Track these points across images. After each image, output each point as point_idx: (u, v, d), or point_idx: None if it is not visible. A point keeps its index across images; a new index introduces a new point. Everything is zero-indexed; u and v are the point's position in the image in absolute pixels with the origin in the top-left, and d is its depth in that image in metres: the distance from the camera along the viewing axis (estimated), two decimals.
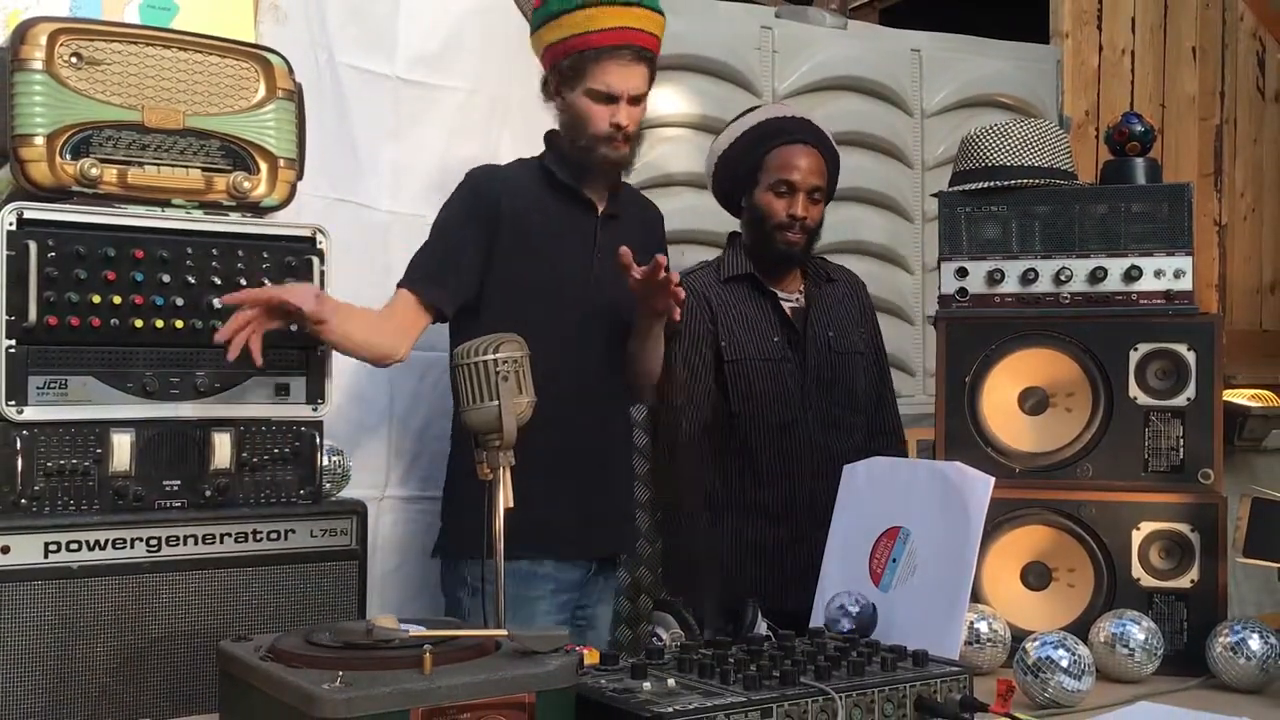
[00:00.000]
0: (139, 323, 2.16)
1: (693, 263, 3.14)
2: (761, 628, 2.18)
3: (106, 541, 2.09)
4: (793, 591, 2.55)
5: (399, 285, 2.60)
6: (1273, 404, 4.61)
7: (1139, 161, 2.48)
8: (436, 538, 2.75)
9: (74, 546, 2.06)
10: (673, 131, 3.68)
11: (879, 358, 3.14)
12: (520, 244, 2.63)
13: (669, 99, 3.67)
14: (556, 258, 2.66)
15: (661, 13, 2.68)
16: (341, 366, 2.59)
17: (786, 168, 2.90)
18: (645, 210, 2.90)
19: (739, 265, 2.99)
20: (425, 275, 2.59)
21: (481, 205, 2.63)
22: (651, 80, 2.69)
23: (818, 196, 2.93)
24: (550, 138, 2.76)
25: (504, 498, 1.97)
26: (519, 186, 2.67)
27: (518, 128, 3.29)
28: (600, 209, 2.72)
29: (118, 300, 2.15)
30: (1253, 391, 4.64)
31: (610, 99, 2.60)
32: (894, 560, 2.26)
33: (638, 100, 2.65)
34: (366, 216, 3.09)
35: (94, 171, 2.15)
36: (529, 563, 2.56)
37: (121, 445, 2.14)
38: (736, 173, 2.97)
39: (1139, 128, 2.49)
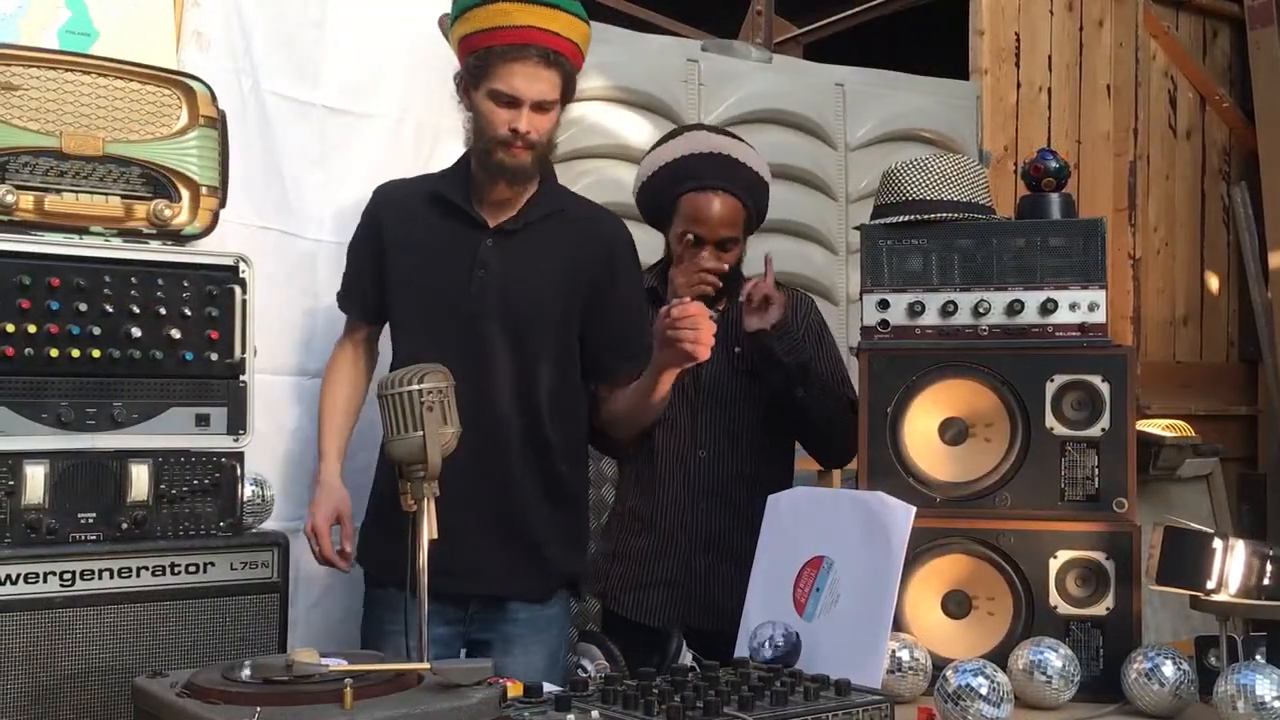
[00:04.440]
0: (54, 352, 2.12)
1: None
2: (686, 658, 2.18)
3: (18, 576, 2.04)
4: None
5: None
6: (1186, 434, 4.72)
7: (1054, 196, 2.54)
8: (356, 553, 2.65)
9: None
10: (597, 163, 3.70)
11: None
12: (405, 263, 2.61)
13: (593, 130, 3.69)
14: (435, 277, 2.57)
15: (585, 20, 2.56)
16: (265, 396, 2.56)
17: (696, 220, 2.81)
18: (583, 223, 2.68)
19: (649, 280, 2.94)
20: (343, 292, 2.75)
21: (369, 223, 2.68)
22: (566, 89, 2.54)
23: (730, 246, 2.85)
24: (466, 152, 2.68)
25: (429, 529, 1.96)
26: (405, 203, 2.64)
27: (446, 156, 3.29)
28: (494, 223, 2.58)
29: (33, 329, 2.11)
30: (1166, 422, 4.75)
31: (513, 102, 2.49)
32: (817, 590, 2.28)
33: (544, 108, 2.52)
34: (292, 245, 3.06)
35: (9, 198, 2.12)
36: (396, 592, 2.29)
37: (35, 477, 2.09)
38: (653, 205, 2.93)
39: (1054, 164, 2.54)
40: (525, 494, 2.57)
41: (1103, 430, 2.39)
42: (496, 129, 2.50)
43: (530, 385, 2.57)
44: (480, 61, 2.49)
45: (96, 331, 2.17)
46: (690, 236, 2.82)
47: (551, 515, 2.61)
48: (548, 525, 2.60)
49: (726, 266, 2.86)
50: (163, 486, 2.21)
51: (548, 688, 1.83)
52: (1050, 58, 4.94)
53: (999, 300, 2.46)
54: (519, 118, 2.49)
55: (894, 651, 2.22)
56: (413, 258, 2.60)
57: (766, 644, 2.18)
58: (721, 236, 2.83)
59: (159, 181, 2.28)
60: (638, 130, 3.78)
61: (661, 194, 2.88)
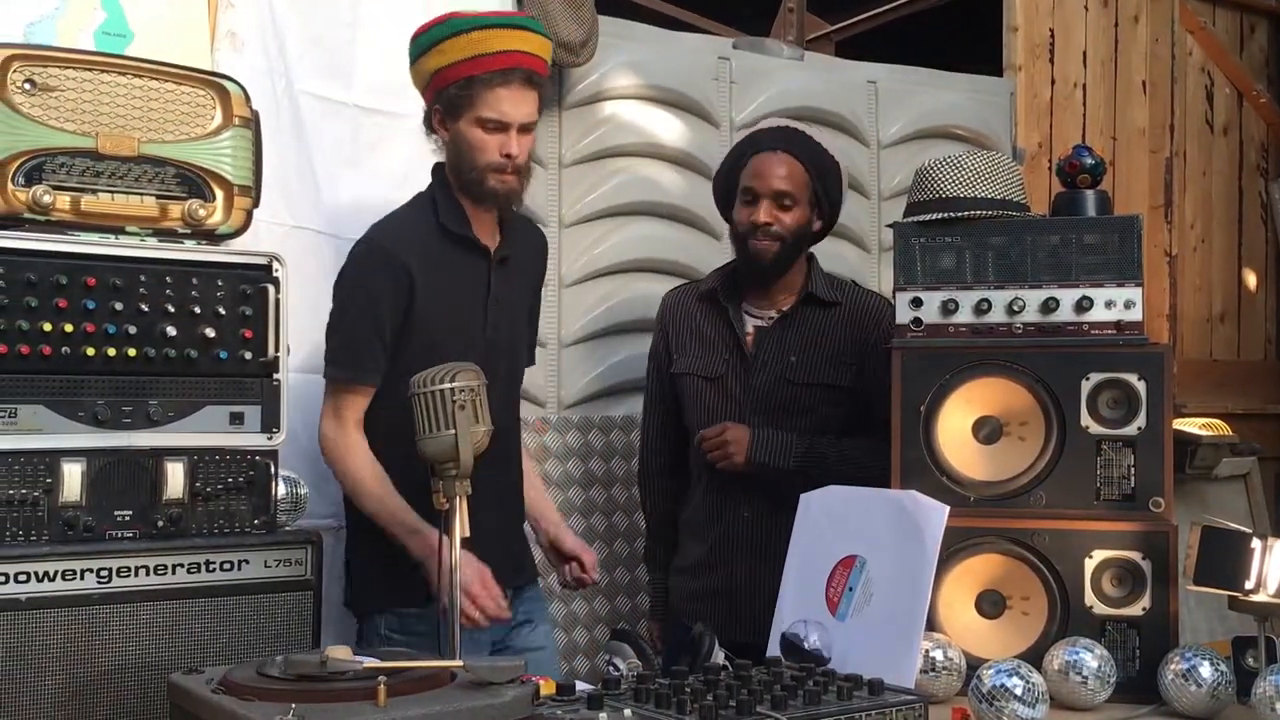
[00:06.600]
0: (91, 351, 2.14)
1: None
2: (718, 657, 2.18)
3: (56, 573, 2.06)
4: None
5: (341, 386, 2.57)
6: (1223, 433, 4.67)
7: (1090, 193, 2.51)
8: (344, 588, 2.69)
9: (22, 578, 2.03)
10: (627, 161, 3.69)
11: (874, 394, 2.81)
12: (426, 305, 2.55)
13: (624, 128, 3.68)
14: (454, 311, 2.58)
15: (549, 37, 2.63)
16: (297, 396, 2.57)
17: (753, 176, 2.87)
18: (533, 239, 2.84)
19: (711, 281, 3.02)
20: (356, 362, 2.56)
21: (400, 280, 2.54)
22: (540, 108, 2.60)
23: (787, 203, 2.85)
24: (438, 173, 2.66)
25: (460, 527, 1.96)
26: (419, 244, 2.57)
27: None
28: (493, 250, 2.64)
29: (69, 328, 2.13)
30: (1203, 420, 4.70)
31: (501, 127, 2.52)
32: (850, 589, 2.27)
33: (528, 129, 2.56)
34: (325, 244, 3.07)
35: (46, 199, 2.14)
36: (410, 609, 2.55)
37: (72, 475, 2.11)
38: (725, 186, 2.99)
39: (1089, 160, 2.52)
40: (514, 490, 2.76)
41: (1139, 429, 2.37)
42: (489, 155, 2.53)
43: (512, 393, 2.77)
44: (463, 90, 2.51)
45: (132, 330, 2.18)
46: (748, 194, 2.87)
47: (519, 506, 2.80)
48: (520, 514, 2.81)
49: (783, 225, 2.86)
50: (198, 484, 2.22)
51: (580, 686, 1.83)
52: (1085, 53, 4.89)
53: (1033, 298, 2.44)
54: (509, 142, 2.53)
55: (928, 651, 2.21)
56: (444, 302, 2.58)
57: (799, 642, 2.18)
58: (776, 189, 2.85)
59: (193, 181, 2.29)
60: (669, 129, 3.76)
61: (731, 172, 2.96)
